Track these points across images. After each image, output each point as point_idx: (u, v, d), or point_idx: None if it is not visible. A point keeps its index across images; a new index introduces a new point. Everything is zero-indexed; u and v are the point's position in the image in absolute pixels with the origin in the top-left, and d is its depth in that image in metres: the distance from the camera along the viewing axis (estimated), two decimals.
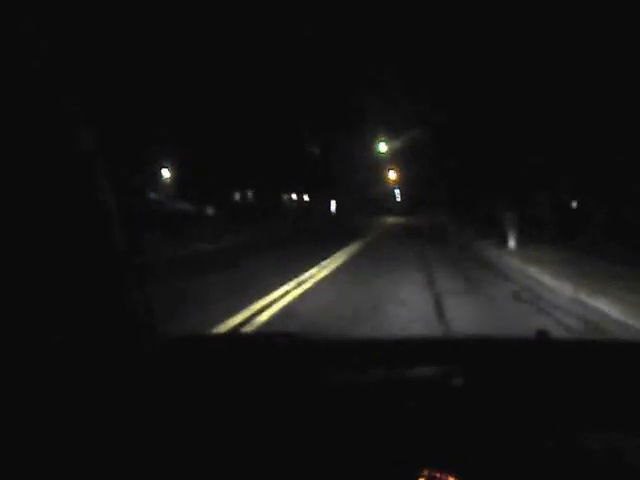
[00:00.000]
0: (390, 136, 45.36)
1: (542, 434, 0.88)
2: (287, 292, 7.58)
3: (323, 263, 11.27)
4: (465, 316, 6.26)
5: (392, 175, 64.32)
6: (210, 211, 28.30)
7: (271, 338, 1.47)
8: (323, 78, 33.62)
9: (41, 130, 0.74)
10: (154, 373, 0.94)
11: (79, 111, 0.80)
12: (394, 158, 63.13)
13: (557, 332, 5.35)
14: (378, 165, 50.21)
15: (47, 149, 0.75)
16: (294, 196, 50.30)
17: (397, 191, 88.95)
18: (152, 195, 24.39)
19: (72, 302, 0.78)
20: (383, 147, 41.84)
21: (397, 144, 47.66)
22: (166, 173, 31.44)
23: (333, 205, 61.97)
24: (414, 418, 0.92)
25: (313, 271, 9.97)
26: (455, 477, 0.77)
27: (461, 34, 20.52)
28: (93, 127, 0.83)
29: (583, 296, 7.34)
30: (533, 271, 10.02)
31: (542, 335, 1.26)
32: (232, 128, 27.36)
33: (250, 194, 40.96)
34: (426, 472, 0.78)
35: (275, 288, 7.62)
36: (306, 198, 53.59)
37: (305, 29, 26.52)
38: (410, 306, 6.72)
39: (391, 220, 52.42)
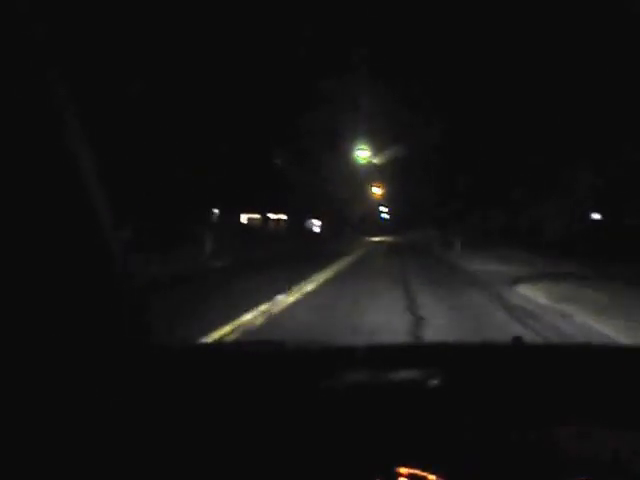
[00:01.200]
0: (374, 150, 42.55)
1: (517, 431, 0.92)
2: None
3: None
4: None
5: (377, 191, 59.93)
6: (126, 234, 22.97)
7: (256, 346, 1.54)
8: (295, 81, 29.56)
9: (31, 132, 0.75)
10: (143, 381, 0.95)
11: (76, 124, 0.81)
12: (379, 174, 59.43)
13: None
14: (360, 180, 45.66)
15: (36, 153, 0.76)
16: (255, 215, 45.65)
17: (383, 208, 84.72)
18: None
19: (65, 307, 0.80)
20: (363, 154, 37.00)
21: (382, 158, 45.73)
22: None
23: (316, 225, 57.63)
24: (394, 420, 0.95)
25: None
26: (436, 476, 0.81)
27: (459, 41, 20.73)
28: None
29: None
30: None
31: (517, 340, 1.30)
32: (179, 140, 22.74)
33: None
34: (406, 471, 0.82)
35: None
36: (280, 218, 48.94)
37: (305, 29, 25.24)
38: None
39: (378, 240, 48.07)
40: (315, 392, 1.03)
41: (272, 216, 47.36)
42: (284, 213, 48.61)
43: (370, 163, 37.41)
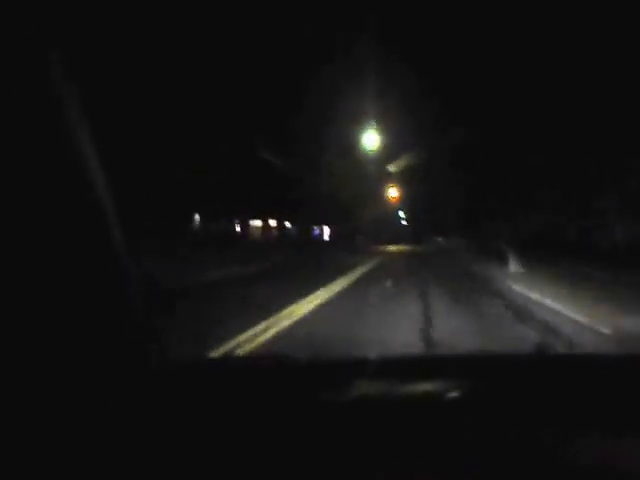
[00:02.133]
0: (392, 154, 38.42)
1: (542, 445, 0.89)
2: None
3: None
4: None
5: (393, 193, 53.57)
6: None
7: (259, 360, 1.55)
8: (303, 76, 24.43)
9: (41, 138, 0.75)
10: (151, 397, 0.95)
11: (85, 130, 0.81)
12: (394, 177, 53.32)
13: None
14: (371, 176, 39.28)
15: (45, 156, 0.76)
16: (257, 222, 39.69)
17: (401, 213, 78.19)
18: None
19: (76, 319, 0.80)
20: (371, 140, 30.32)
21: (398, 165, 42.71)
22: None
23: (325, 232, 51.63)
24: (410, 434, 0.92)
25: None
26: None
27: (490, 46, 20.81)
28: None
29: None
30: None
31: (541, 349, 1.36)
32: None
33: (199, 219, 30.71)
34: None
35: None
36: (287, 225, 43.04)
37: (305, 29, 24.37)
38: None
39: (394, 251, 41.86)
40: (327, 406, 1.00)
41: (272, 223, 41.54)
42: (289, 220, 42.75)
43: (379, 145, 30.87)
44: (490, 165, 32.50)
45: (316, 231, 53.76)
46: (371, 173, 37.22)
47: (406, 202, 67.27)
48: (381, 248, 45.03)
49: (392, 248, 46.89)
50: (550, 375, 1.18)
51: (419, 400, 1.05)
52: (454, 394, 1.04)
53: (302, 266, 19.17)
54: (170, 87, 17.87)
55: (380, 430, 0.91)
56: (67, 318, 0.78)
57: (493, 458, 0.86)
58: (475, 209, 45.70)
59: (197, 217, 30.28)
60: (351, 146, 29.61)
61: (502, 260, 17.10)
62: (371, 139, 28.95)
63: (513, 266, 15.78)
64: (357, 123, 28.23)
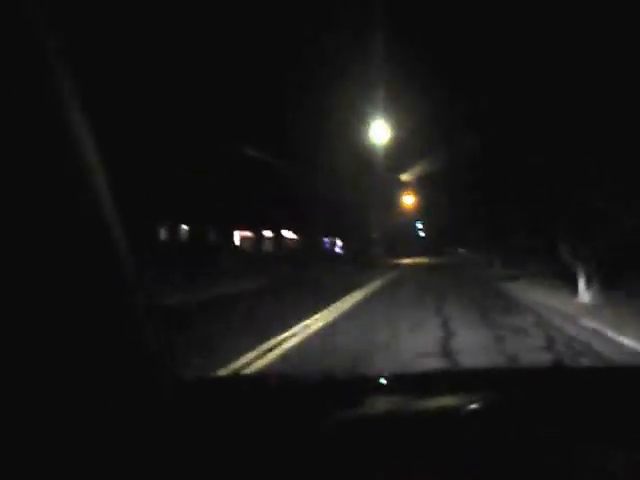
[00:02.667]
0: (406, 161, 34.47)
1: (560, 460, 0.89)
2: None
3: None
4: None
5: (409, 200, 49.24)
6: None
7: (266, 379, 1.59)
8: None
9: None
10: (164, 417, 0.92)
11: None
12: (412, 185, 49.23)
13: None
14: (381, 178, 35.05)
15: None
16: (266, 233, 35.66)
17: (418, 224, 73.38)
18: None
19: (82, 339, 0.76)
20: (379, 133, 25.92)
21: (417, 169, 38.91)
22: None
23: (338, 245, 47.64)
24: (418, 453, 0.90)
25: None
26: None
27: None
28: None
29: None
30: None
31: (557, 365, 1.96)
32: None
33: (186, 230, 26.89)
34: None
35: None
36: (291, 236, 39.02)
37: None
38: None
39: (410, 264, 37.66)
40: (324, 429, 0.98)
41: (267, 234, 37.53)
42: (293, 230, 38.77)
43: (388, 138, 26.41)
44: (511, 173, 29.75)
45: (327, 243, 49.97)
46: (382, 174, 32.99)
47: (423, 212, 62.94)
48: (399, 261, 40.78)
49: (409, 261, 42.57)
50: (567, 388, 1.16)
51: (432, 416, 1.02)
52: (470, 409, 1.01)
53: (296, 289, 15.17)
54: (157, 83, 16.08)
55: (391, 447, 0.90)
56: (73, 328, 0.73)
57: (507, 474, 0.85)
58: (499, 221, 41.99)
59: (184, 227, 26.50)
60: (357, 142, 25.46)
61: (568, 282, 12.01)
62: (380, 131, 24.53)
63: (585, 294, 10.80)
64: (364, 117, 24.16)
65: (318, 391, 1.20)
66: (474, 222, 52.80)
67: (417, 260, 45.57)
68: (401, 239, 57.14)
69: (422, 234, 77.70)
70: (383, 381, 1.29)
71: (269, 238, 36.53)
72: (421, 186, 49.37)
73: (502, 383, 1.24)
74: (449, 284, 16.61)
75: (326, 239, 49.33)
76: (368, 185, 33.87)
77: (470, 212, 51.94)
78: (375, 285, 16.03)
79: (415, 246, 64.52)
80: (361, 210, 36.78)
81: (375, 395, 1.15)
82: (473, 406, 1.01)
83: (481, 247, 46.51)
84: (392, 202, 44.28)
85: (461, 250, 55.58)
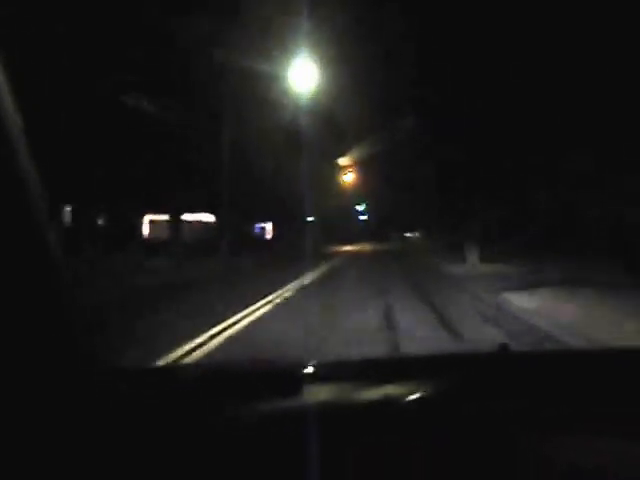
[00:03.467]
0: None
1: (508, 446, 0.89)
2: None
3: None
4: None
5: (347, 177, 43.28)
6: None
7: (186, 369, 1.61)
8: None
9: None
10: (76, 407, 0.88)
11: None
12: (353, 167, 43.48)
13: None
14: (328, 164, 29.15)
15: None
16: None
17: (360, 207, 67.45)
18: None
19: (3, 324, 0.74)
20: (306, 76, 18.04)
21: (359, 150, 38.21)
22: None
23: (268, 229, 41.25)
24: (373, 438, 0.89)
25: None
26: None
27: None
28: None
29: None
30: None
31: (503, 348, 1.27)
32: None
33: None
34: None
35: None
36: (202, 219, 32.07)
37: None
38: None
39: (351, 252, 31.87)
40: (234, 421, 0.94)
41: (189, 217, 30.55)
42: (210, 211, 31.88)
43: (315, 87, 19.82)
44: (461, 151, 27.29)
45: (258, 228, 43.63)
46: (314, 146, 26.75)
47: (365, 194, 57.42)
48: (337, 249, 34.79)
49: (350, 248, 36.65)
50: (514, 372, 1.16)
51: (380, 404, 0.99)
52: (416, 396, 0.99)
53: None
54: None
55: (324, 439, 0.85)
56: None
57: (470, 460, 0.84)
58: (449, 202, 37.83)
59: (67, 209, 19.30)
60: (275, 93, 18.81)
61: None
62: (306, 75, 17.81)
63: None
64: (287, 58, 17.61)
65: (246, 380, 1.11)
66: (418, 209, 48.15)
67: (359, 247, 39.79)
68: (341, 223, 51.11)
69: (364, 217, 72.23)
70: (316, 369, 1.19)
71: (183, 222, 29.61)
72: (362, 168, 44.00)
73: (445, 370, 1.20)
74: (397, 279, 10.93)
75: (259, 225, 43.07)
76: (297, 160, 27.62)
77: (413, 197, 47.22)
78: (296, 286, 10.25)
79: (356, 231, 58.78)
80: (292, 189, 30.47)
81: (310, 384, 1.06)
82: (418, 395, 0.98)
83: (423, 231, 41.54)
84: (329, 180, 38.08)
85: (409, 235, 50.63)
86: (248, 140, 19.24)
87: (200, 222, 30.63)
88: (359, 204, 64.15)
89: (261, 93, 18.36)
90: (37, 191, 0.76)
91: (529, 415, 0.94)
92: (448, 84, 23.12)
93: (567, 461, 0.84)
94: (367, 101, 32.86)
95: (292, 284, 11.11)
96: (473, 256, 15.50)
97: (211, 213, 29.52)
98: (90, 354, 0.87)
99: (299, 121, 23.41)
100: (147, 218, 27.93)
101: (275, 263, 19.21)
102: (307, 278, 12.57)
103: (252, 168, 20.82)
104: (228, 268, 15.98)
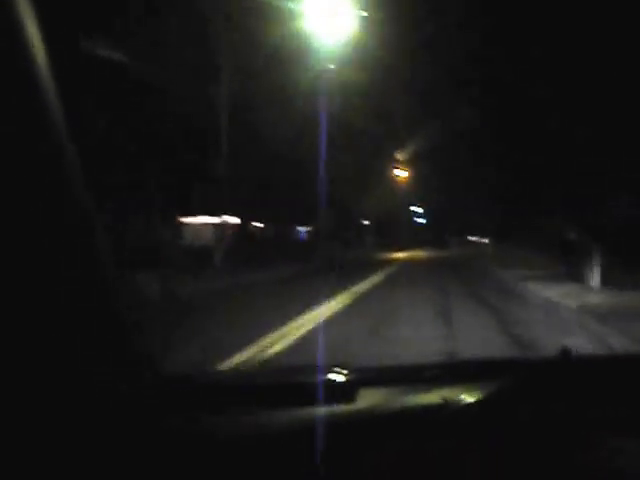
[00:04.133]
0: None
1: (569, 455, 0.88)
2: None
3: None
4: None
5: (401, 173, 37.76)
6: None
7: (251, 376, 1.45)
8: None
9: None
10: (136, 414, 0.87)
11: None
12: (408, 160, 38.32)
13: None
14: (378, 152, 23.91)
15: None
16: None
17: (416, 208, 61.24)
18: None
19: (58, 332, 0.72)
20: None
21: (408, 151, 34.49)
22: None
23: (302, 231, 36.87)
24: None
25: None
26: None
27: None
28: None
29: None
30: None
31: (566, 353, 1.19)
32: None
33: None
34: None
35: None
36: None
37: None
38: None
39: (403, 262, 26.81)
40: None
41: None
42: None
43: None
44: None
45: (302, 233, 39.26)
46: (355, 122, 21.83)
47: (420, 195, 51.90)
48: (387, 256, 29.61)
49: (402, 255, 31.32)
50: (576, 378, 1.12)
51: (434, 407, 0.95)
52: (473, 399, 0.95)
53: None
54: None
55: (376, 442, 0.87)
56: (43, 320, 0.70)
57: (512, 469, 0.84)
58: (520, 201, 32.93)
59: None
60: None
61: None
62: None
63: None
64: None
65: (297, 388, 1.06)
66: (480, 211, 42.53)
67: (414, 254, 34.34)
68: (394, 226, 45.53)
69: (422, 220, 66.15)
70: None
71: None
72: (416, 165, 38.83)
73: (502, 373, 1.13)
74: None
75: (301, 228, 38.68)
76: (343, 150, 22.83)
77: (474, 199, 41.70)
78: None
79: (412, 236, 52.99)
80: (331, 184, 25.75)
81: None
82: (472, 397, 0.95)
83: (505, 234, 36.05)
84: (377, 170, 32.83)
85: (473, 238, 44.73)
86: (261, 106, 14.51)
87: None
88: (414, 205, 58.40)
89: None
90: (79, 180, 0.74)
91: (586, 416, 0.93)
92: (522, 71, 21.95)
93: (622, 465, 0.84)
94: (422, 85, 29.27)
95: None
96: (595, 275, 10.04)
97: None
98: (143, 356, 0.86)
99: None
100: None
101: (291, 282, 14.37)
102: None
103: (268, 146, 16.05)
104: (208, 291, 11.12)
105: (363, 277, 13.83)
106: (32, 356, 0.68)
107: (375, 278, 14.23)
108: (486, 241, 38.87)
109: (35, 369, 0.68)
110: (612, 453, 0.85)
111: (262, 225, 32.61)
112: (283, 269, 16.63)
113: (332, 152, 21.37)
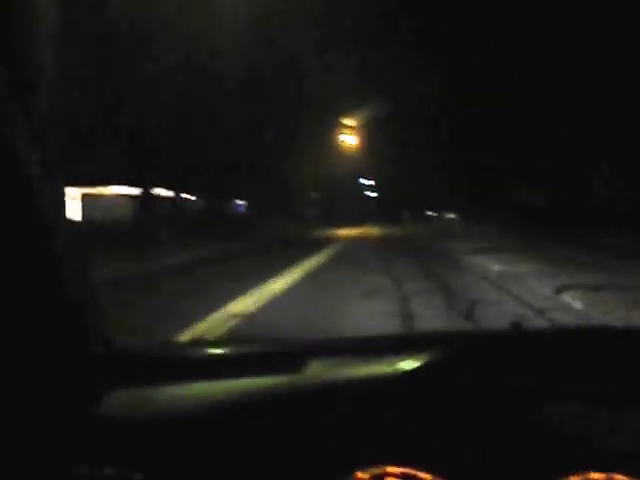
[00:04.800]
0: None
1: (515, 419, 0.90)
2: None
3: None
4: None
5: (350, 140, 33.70)
6: None
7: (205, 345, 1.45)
8: None
9: None
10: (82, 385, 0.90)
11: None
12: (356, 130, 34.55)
13: None
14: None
15: None
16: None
17: (366, 181, 57.35)
18: None
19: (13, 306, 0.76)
20: None
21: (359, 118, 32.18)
22: None
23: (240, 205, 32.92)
24: (380, 415, 0.89)
25: None
26: (430, 474, 0.81)
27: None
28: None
29: None
30: None
31: (516, 326, 1.22)
32: None
33: None
34: (397, 470, 0.81)
35: None
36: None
37: None
38: None
39: (348, 239, 23.14)
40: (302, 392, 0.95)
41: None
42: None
43: None
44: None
45: (240, 207, 35.24)
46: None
47: (372, 166, 48.26)
48: (331, 233, 25.76)
49: (351, 232, 27.50)
50: (522, 349, 1.12)
51: (391, 378, 0.98)
52: (414, 368, 0.97)
53: None
54: None
55: (350, 413, 0.88)
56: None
57: (474, 437, 0.85)
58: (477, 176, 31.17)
59: None
60: None
61: None
62: None
63: None
64: None
65: (254, 358, 1.10)
66: (434, 184, 39.59)
67: (363, 230, 30.60)
68: (340, 200, 41.57)
69: (371, 194, 62.59)
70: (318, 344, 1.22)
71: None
72: (367, 134, 35.19)
73: (449, 344, 1.17)
74: None
75: (239, 201, 34.59)
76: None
77: (428, 170, 38.87)
78: None
79: (360, 210, 49.24)
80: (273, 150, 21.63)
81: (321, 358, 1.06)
82: (413, 367, 0.96)
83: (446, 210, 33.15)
84: (323, 137, 28.82)
85: (431, 213, 41.78)
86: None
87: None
88: (365, 177, 54.69)
89: None
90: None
91: (530, 386, 0.95)
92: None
93: (568, 431, 0.86)
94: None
95: None
96: None
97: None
98: (102, 338, 0.87)
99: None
100: None
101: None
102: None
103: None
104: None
105: (287, 265, 9.89)
106: None
107: (297, 271, 9.97)
108: (452, 216, 35.48)
109: None
110: (554, 421, 0.86)
111: (193, 198, 28.44)
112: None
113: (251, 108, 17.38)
